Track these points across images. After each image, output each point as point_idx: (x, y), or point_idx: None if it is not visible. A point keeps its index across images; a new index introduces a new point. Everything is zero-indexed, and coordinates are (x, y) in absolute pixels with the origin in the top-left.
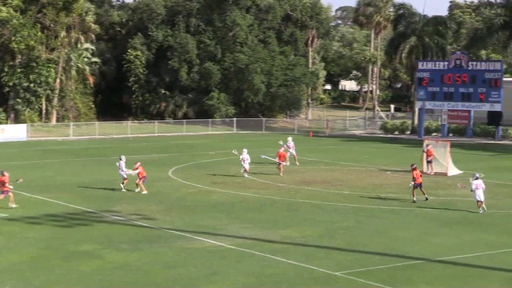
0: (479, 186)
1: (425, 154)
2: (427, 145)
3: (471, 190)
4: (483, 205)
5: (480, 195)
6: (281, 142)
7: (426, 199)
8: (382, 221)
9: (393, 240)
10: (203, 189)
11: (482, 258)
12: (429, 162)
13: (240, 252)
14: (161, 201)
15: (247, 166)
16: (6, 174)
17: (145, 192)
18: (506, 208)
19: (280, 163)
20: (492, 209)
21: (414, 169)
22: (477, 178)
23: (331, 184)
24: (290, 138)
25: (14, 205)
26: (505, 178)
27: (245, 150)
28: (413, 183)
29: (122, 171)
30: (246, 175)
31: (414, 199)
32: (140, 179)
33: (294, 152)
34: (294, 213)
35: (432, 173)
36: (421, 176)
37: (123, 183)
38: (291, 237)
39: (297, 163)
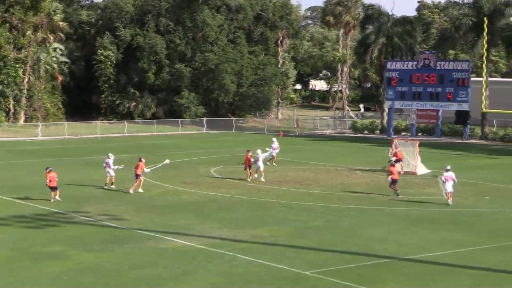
0: (449, 178)
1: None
2: (396, 147)
3: (442, 182)
4: (451, 198)
5: (449, 186)
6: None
7: (398, 195)
8: (352, 220)
9: (363, 239)
10: (173, 189)
11: (450, 256)
12: (398, 161)
13: (210, 252)
14: (130, 201)
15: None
16: None
17: (131, 192)
18: (473, 207)
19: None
20: (459, 208)
21: (392, 165)
22: (448, 170)
23: (301, 183)
24: (274, 139)
25: None
26: (472, 176)
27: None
28: (391, 177)
29: (110, 168)
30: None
31: (398, 192)
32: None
33: (275, 153)
34: (264, 213)
35: (401, 172)
36: (398, 173)
37: (112, 183)
38: (261, 236)
39: (274, 164)
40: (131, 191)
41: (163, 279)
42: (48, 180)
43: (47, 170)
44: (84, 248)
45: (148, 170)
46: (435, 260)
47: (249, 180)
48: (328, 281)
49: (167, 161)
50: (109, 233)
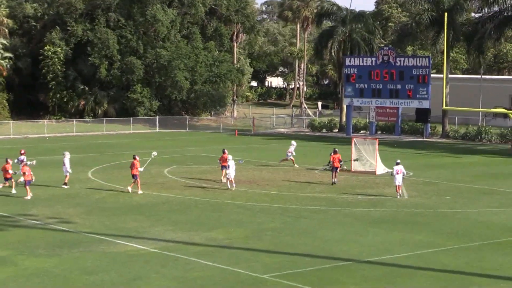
0: (399, 171)
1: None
2: (335, 153)
3: (392, 175)
4: (400, 190)
5: (399, 180)
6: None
7: (333, 183)
8: (309, 222)
9: (321, 241)
10: (124, 190)
11: (411, 257)
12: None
13: (163, 256)
14: (80, 204)
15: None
16: None
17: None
18: (434, 207)
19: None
20: (421, 208)
21: (335, 153)
22: (398, 164)
23: (257, 184)
24: (293, 142)
25: None
26: (433, 176)
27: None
28: (328, 166)
29: (65, 166)
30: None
31: (334, 180)
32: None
33: (291, 156)
34: (219, 215)
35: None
36: (339, 161)
37: (65, 183)
38: (216, 239)
39: (296, 165)
40: (139, 191)
41: (114, 284)
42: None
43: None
44: (32, 253)
45: (142, 168)
46: (396, 262)
47: (223, 180)
48: (286, 284)
49: (154, 153)
50: (57, 237)
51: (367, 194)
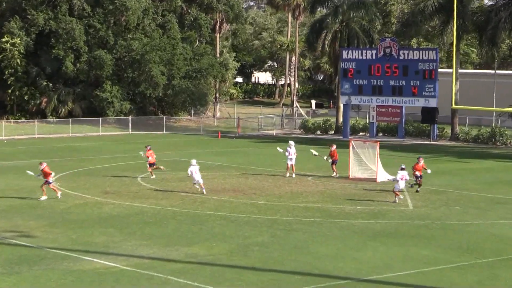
0: (404, 178)
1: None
2: (331, 146)
3: (394, 180)
4: (397, 197)
5: (402, 186)
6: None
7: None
8: (301, 235)
9: (315, 257)
10: (93, 200)
11: (415, 275)
12: (333, 163)
13: (136, 274)
14: (41, 215)
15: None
16: None
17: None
18: (442, 219)
19: (151, 165)
20: (426, 220)
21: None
22: (403, 169)
23: (243, 192)
24: (291, 142)
25: None
26: (441, 183)
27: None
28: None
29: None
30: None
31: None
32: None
33: (292, 162)
34: (200, 227)
35: (335, 176)
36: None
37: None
38: (196, 255)
39: (292, 175)
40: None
41: None
42: None
43: None
44: None
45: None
46: (398, 280)
47: (152, 176)
48: None
49: (141, 153)
50: (16, 252)
51: (367, 204)
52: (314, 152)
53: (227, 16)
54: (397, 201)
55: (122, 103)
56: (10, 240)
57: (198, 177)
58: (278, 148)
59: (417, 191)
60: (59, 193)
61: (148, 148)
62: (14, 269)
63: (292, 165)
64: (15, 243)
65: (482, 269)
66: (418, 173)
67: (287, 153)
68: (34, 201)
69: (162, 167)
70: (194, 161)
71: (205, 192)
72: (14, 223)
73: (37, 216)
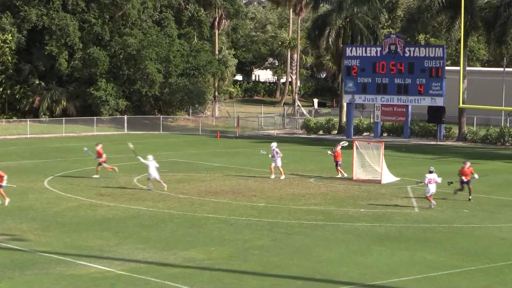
0: (433, 181)
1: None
2: (337, 145)
3: (425, 183)
4: (432, 200)
5: (432, 189)
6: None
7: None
8: (303, 239)
9: (317, 262)
10: (87, 202)
11: (421, 281)
12: (337, 164)
13: (132, 279)
14: (34, 218)
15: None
16: None
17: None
18: (449, 222)
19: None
20: (433, 223)
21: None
22: (431, 172)
23: (242, 194)
24: (274, 144)
25: None
26: (447, 186)
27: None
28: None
29: None
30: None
31: (340, 175)
32: None
33: (277, 163)
34: (198, 231)
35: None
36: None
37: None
38: (194, 259)
39: (282, 177)
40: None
41: None
42: None
43: None
44: None
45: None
46: (404, 286)
47: (96, 176)
48: None
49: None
50: (8, 256)
51: (371, 206)
52: (262, 151)
53: (227, 12)
54: (432, 207)
55: (118, 100)
56: (2, 243)
57: (154, 172)
58: (261, 151)
59: (469, 199)
60: (115, 169)
61: (98, 145)
62: (6, 273)
63: (278, 167)
64: (7, 247)
65: (491, 274)
66: (464, 178)
67: (270, 155)
68: (27, 203)
69: (110, 168)
70: (150, 157)
71: (165, 187)
72: (5, 226)
73: (29, 219)
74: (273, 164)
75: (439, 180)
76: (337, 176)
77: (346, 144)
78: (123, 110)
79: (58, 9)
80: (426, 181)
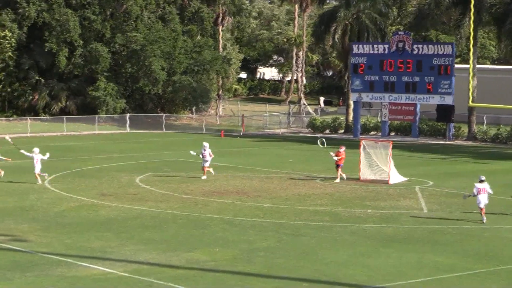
0: (483, 191)
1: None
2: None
3: (474, 195)
4: (484, 216)
5: (484, 200)
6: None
7: (342, 178)
8: (309, 240)
9: (323, 264)
10: (88, 202)
11: (430, 283)
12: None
13: (134, 281)
14: (35, 218)
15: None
16: None
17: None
18: (458, 223)
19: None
20: (442, 224)
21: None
22: (482, 181)
23: (247, 195)
24: (206, 144)
25: None
26: (457, 185)
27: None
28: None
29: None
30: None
31: (342, 177)
32: None
33: (207, 164)
34: (202, 232)
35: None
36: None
37: None
38: (198, 261)
39: (204, 177)
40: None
41: None
42: None
43: None
44: None
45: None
46: None
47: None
48: None
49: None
50: (8, 258)
51: (379, 207)
52: (192, 152)
53: (230, 9)
54: (484, 221)
55: (117, 101)
56: (2, 244)
57: (38, 166)
58: (191, 152)
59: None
60: None
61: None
62: (6, 275)
63: (204, 166)
64: (7, 248)
65: (501, 276)
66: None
67: (201, 156)
68: (28, 203)
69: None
70: (36, 150)
71: (40, 182)
72: (6, 227)
73: (30, 220)
74: (206, 165)
75: (490, 190)
76: (336, 181)
77: (324, 143)
78: (121, 112)
79: (60, 4)
80: (475, 192)
